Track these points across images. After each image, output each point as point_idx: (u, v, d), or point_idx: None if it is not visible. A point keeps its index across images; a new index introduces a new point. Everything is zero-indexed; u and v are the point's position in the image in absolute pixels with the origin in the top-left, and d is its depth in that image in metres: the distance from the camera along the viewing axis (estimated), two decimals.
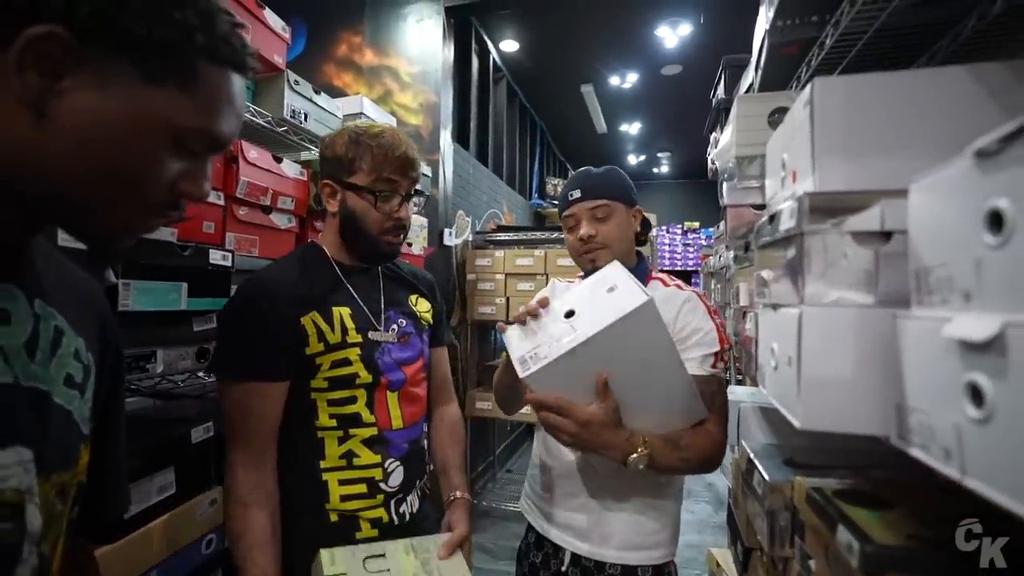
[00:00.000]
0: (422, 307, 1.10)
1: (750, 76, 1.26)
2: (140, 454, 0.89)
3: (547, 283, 3.09)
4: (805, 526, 0.75)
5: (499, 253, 3.17)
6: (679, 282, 1.09)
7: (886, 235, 0.55)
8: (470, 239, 3.44)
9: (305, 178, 1.36)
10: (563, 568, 1.04)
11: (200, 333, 1.03)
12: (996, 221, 0.36)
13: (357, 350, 0.94)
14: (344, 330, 0.93)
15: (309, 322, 0.91)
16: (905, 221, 0.50)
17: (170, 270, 0.95)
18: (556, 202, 5.74)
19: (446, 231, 3.08)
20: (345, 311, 0.95)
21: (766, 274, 0.73)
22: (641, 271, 1.05)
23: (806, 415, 0.56)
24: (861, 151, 0.60)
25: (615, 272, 0.86)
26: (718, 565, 1.59)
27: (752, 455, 0.98)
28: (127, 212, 0.44)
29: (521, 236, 3.40)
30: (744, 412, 1.16)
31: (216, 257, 1.04)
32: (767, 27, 0.95)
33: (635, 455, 0.86)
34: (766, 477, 0.87)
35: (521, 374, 0.81)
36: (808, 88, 0.62)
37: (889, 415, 0.52)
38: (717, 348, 1.00)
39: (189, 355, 1.01)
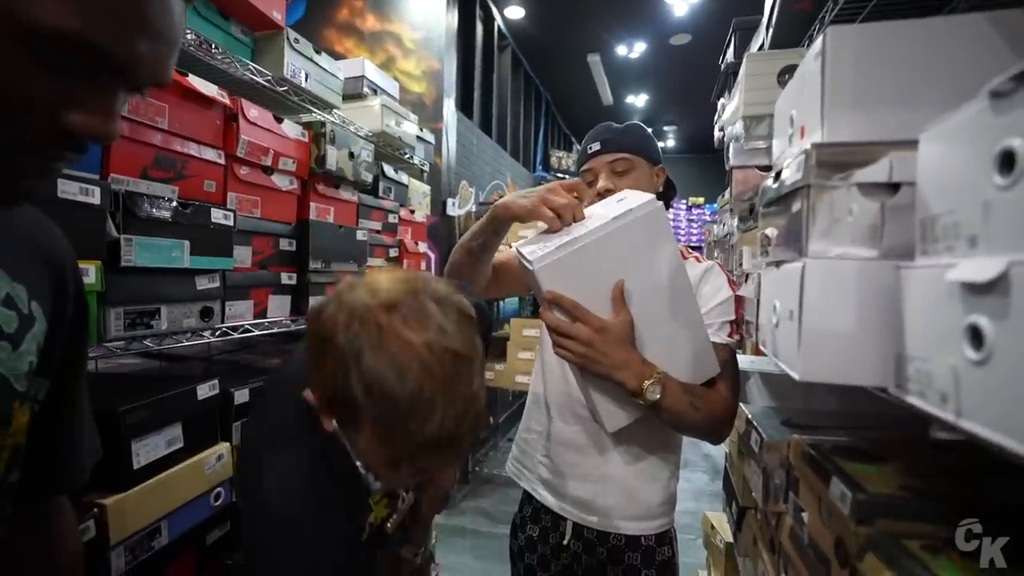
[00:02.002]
0: None
1: (760, 36, 1.23)
2: (148, 408, 0.90)
3: None
4: (800, 482, 0.76)
5: None
6: (697, 254, 1.07)
7: (893, 187, 0.54)
8: (473, 210, 3.42)
9: (306, 140, 1.34)
10: (564, 541, 1.02)
11: (203, 291, 1.03)
12: (1007, 162, 0.36)
13: None
14: None
15: None
16: (913, 172, 0.50)
17: (172, 227, 0.95)
18: (561, 174, 5.66)
19: (449, 201, 3.06)
20: None
21: (770, 232, 0.73)
22: None
23: (806, 368, 0.57)
24: (872, 102, 0.59)
25: (625, 191, 0.86)
26: (712, 527, 1.63)
27: (750, 416, 0.99)
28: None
29: None
30: (744, 378, 1.18)
31: (218, 216, 1.03)
32: None
33: (649, 381, 0.79)
34: (764, 436, 0.88)
35: (533, 262, 0.76)
36: (820, 39, 0.60)
37: (888, 366, 0.52)
38: (733, 317, 0.97)
39: (193, 312, 1.02)
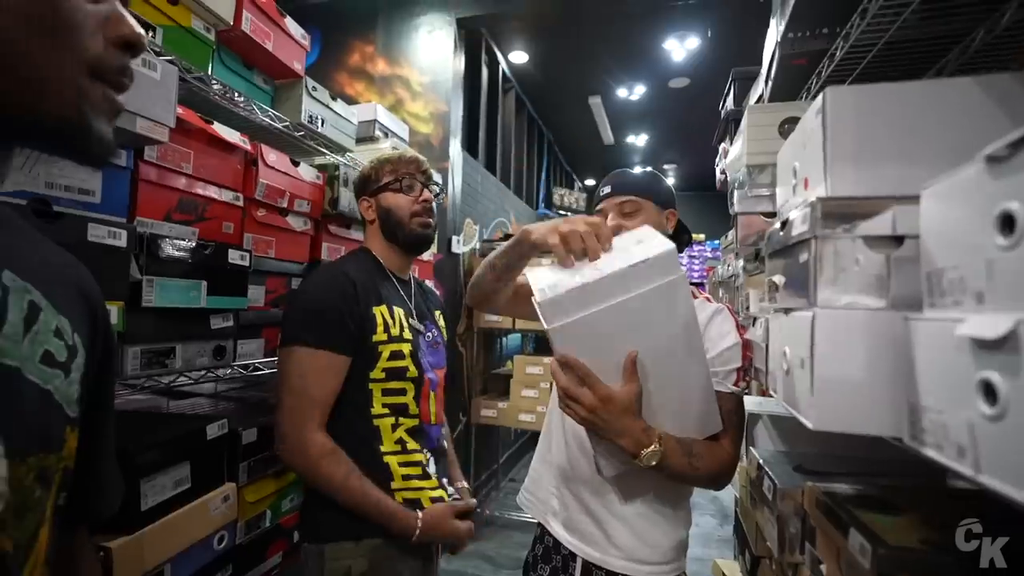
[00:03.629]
0: (442, 323, 1.28)
1: (760, 87, 1.28)
2: (157, 448, 0.90)
3: None
4: (816, 531, 0.75)
5: None
6: (706, 295, 1.09)
7: (898, 239, 0.56)
8: (477, 247, 3.46)
9: (321, 182, 1.38)
10: None
11: (217, 331, 1.05)
12: (1007, 223, 0.37)
13: (409, 346, 1.08)
14: (401, 327, 1.08)
15: (379, 313, 1.05)
16: (917, 226, 0.52)
17: (191, 268, 0.97)
18: (563, 212, 5.74)
19: (454, 238, 3.10)
20: (400, 311, 1.10)
21: (777, 279, 0.74)
22: None
23: (819, 417, 0.57)
24: (872, 159, 0.62)
25: (645, 230, 0.88)
26: (724, 575, 1.59)
27: (761, 462, 0.98)
28: (67, 69, 0.41)
29: None
30: (752, 421, 1.17)
31: (235, 257, 1.06)
32: (778, 39, 0.97)
33: (648, 449, 0.82)
34: (777, 483, 0.87)
35: (538, 298, 0.77)
36: (820, 97, 0.64)
37: (901, 416, 0.52)
38: (740, 364, 0.98)
39: (206, 352, 1.03)
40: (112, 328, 0.57)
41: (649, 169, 1.10)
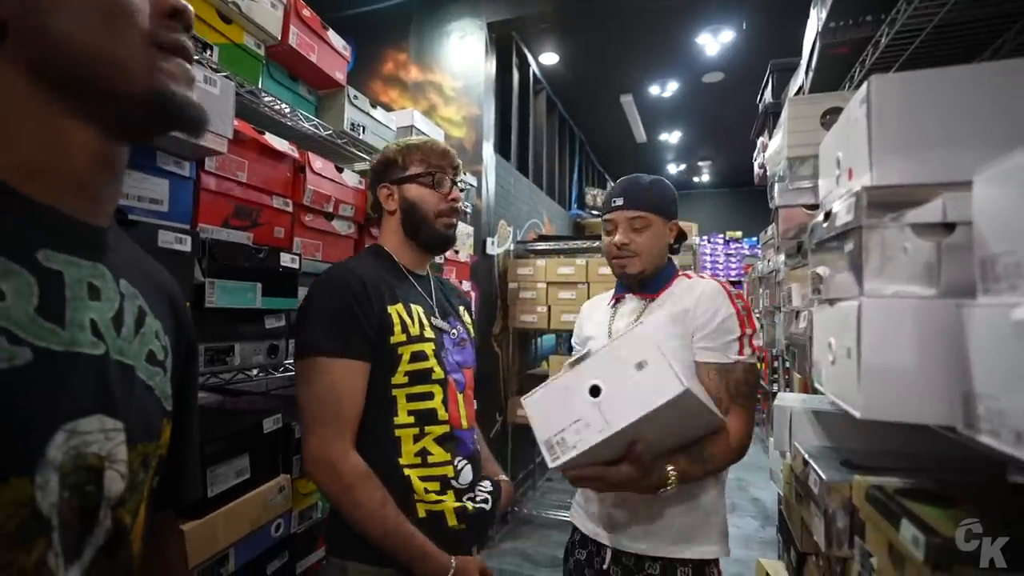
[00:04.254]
0: (467, 319, 1.18)
1: (800, 79, 1.26)
2: (221, 440, 0.96)
3: (588, 293, 3.07)
4: (865, 525, 0.74)
5: (540, 262, 3.20)
6: (704, 275, 1.14)
7: (949, 226, 0.55)
8: (511, 248, 3.49)
9: (363, 187, 1.44)
10: (604, 566, 1.07)
11: (271, 330, 1.10)
12: None
13: (432, 345, 0.99)
14: (421, 324, 1.00)
15: (394, 312, 0.96)
16: (968, 212, 0.51)
17: (247, 271, 1.02)
18: (596, 212, 5.73)
19: (488, 240, 3.14)
20: (419, 308, 1.01)
21: (822, 270, 0.74)
22: (668, 273, 1.13)
23: (867, 405, 0.57)
24: (919, 146, 0.61)
25: (644, 343, 0.80)
26: (768, 575, 1.56)
27: (807, 457, 0.97)
28: (135, 47, 0.45)
29: (562, 245, 3.42)
30: (796, 416, 1.15)
31: (286, 260, 1.11)
32: (819, 29, 0.95)
33: (666, 488, 0.91)
34: (823, 477, 0.86)
35: (550, 463, 0.82)
36: (865, 86, 0.63)
37: (954, 404, 0.52)
38: (738, 332, 1.02)
39: (261, 350, 1.09)
40: (194, 330, 0.63)
41: (658, 179, 1.14)
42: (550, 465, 0.83)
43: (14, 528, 0.37)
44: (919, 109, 0.61)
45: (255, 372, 1.11)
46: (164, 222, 0.88)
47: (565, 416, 0.81)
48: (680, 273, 1.15)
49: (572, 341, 1.31)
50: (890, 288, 0.59)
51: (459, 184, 1.12)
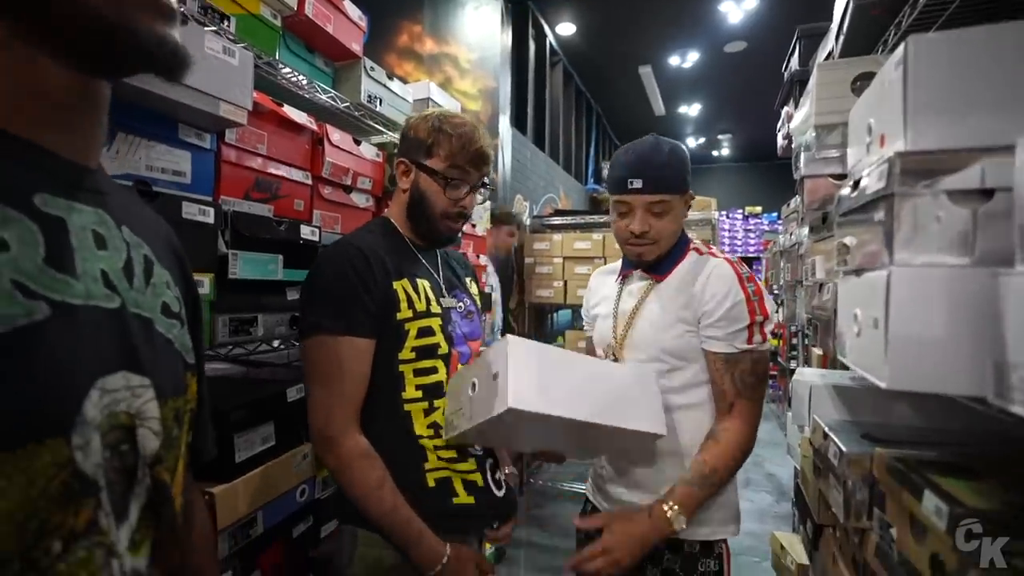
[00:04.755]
0: (474, 289, 1.15)
1: (829, 44, 1.21)
2: (247, 407, 0.99)
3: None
4: (886, 496, 0.74)
5: (557, 237, 3.18)
6: (715, 250, 1.07)
7: (987, 193, 0.53)
8: (528, 223, 3.47)
9: (381, 160, 1.43)
10: None
11: (292, 302, 1.12)
12: None
13: (439, 320, 0.97)
14: (427, 300, 0.97)
15: (400, 288, 0.94)
16: (1009, 178, 0.49)
17: (269, 243, 1.04)
18: None
19: None
20: (425, 283, 0.99)
21: (849, 241, 0.72)
22: (678, 250, 1.06)
23: (893, 376, 0.56)
24: (957, 110, 0.58)
25: (500, 357, 0.82)
26: (782, 547, 1.57)
27: (827, 430, 0.96)
28: None
29: (578, 220, 3.40)
30: (816, 391, 1.14)
31: (306, 232, 1.12)
32: None
33: (672, 527, 0.91)
34: (844, 449, 0.86)
35: (444, 435, 0.91)
36: (901, 48, 0.60)
37: (985, 375, 0.51)
38: (747, 320, 0.96)
39: (284, 322, 1.11)
40: (195, 284, 0.60)
41: (674, 148, 1.01)
42: (443, 436, 0.91)
43: (57, 490, 0.36)
44: (959, 70, 0.58)
45: (277, 343, 1.13)
46: (187, 194, 0.89)
47: (457, 400, 0.89)
48: (691, 247, 1.07)
49: (582, 312, 1.26)
50: (921, 258, 0.57)
51: (479, 194, 1.04)
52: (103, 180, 0.48)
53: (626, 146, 1.06)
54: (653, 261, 1.04)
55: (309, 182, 1.20)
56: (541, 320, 3.64)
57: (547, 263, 3.19)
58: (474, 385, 0.85)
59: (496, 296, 2.61)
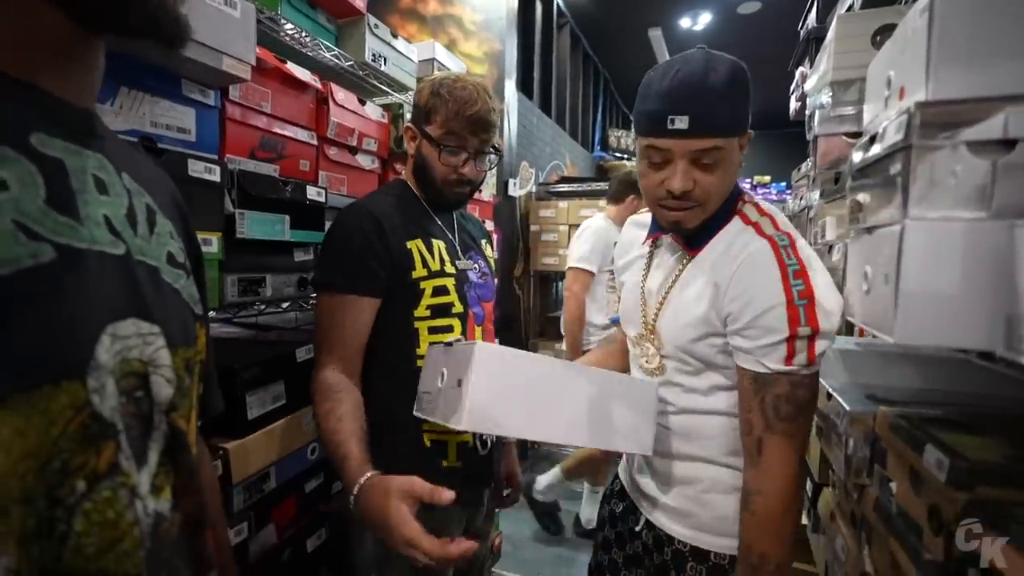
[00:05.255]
0: (488, 251, 1.17)
1: (848, 0, 1.17)
2: (257, 366, 1.00)
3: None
4: (887, 452, 0.75)
5: (563, 204, 3.16)
6: (763, 221, 0.79)
7: (1008, 144, 0.52)
8: (533, 190, 3.44)
9: (386, 120, 1.41)
10: (637, 528, 0.95)
11: (300, 263, 1.12)
12: None
13: (453, 280, 1.00)
14: (442, 260, 1.00)
15: (415, 248, 0.97)
16: None
17: (275, 203, 1.03)
18: (619, 154, 5.53)
19: (510, 181, 3.10)
20: (440, 243, 1.01)
21: (862, 198, 0.71)
22: (724, 213, 0.81)
23: (902, 329, 0.56)
24: (983, 57, 0.56)
25: (464, 365, 0.73)
26: None
27: (831, 391, 0.97)
28: None
29: (584, 187, 3.36)
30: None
31: (312, 193, 1.12)
32: None
33: None
34: (847, 408, 0.87)
35: (414, 411, 0.85)
36: None
37: (995, 329, 0.51)
38: (785, 333, 0.70)
39: (291, 283, 1.11)
40: (208, 257, 0.61)
41: (732, 66, 0.75)
42: (414, 411, 0.86)
43: (77, 432, 0.36)
44: (986, 15, 0.56)
45: (286, 305, 1.14)
46: (193, 152, 0.88)
47: (430, 381, 0.84)
48: (738, 210, 0.82)
49: (614, 269, 1.08)
50: (936, 212, 0.57)
51: (481, 160, 1.01)
52: (101, 125, 0.47)
53: (664, 65, 0.76)
54: (695, 230, 0.80)
55: (314, 142, 1.19)
56: (546, 288, 3.65)
57: (552, 231, 3.17)
58: (443, 376, 0.80)
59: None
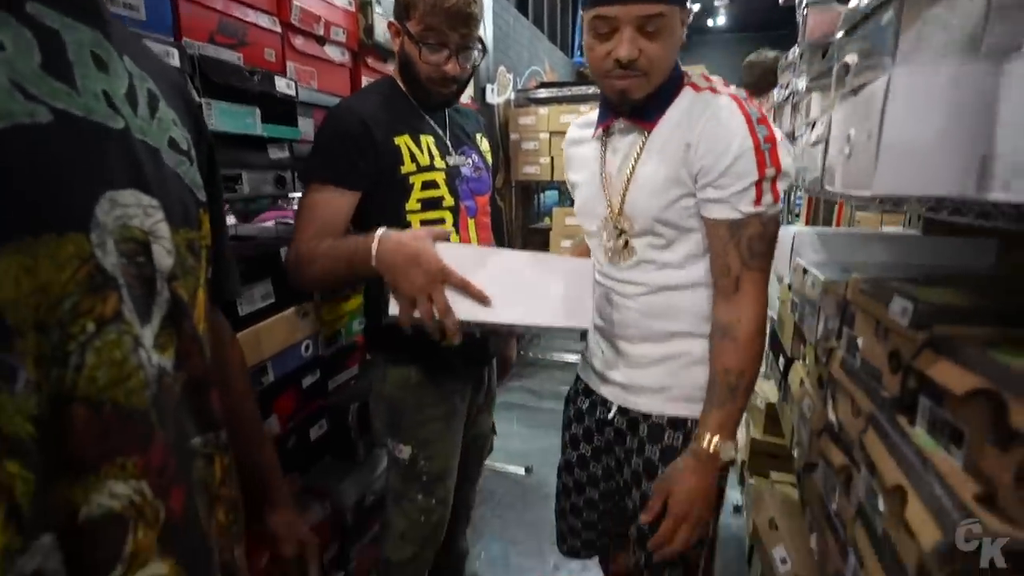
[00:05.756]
0: (484, 146, 1.17)
1: None
2: (243, 261, 1.00)
3: None
4: (856, 315, 0.80)
5: (543, 111, 3.05)
6: (717, 83, 0.85)
7: None
8: (512, 98, 3.30)
9: (353, 9, 1.31)
10: (609, 416, 0.96)
11: (276, 161, 1.09)
12: None
13: (443, 174, 1.03)
14: (431, 155, 1.02)
15: (403, 143, 0.99)
16: None
17: (243, 94, 0.98)
18: None
19: (488, 87, 2.96)
20: (429, 139, 1.03)
21: (850, 59, 0.70)
22: (672, 84, 0.85)
23: (881, 181, 0.57)
24: None
25: (583, 279, 0.86)
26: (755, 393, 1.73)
27: (807, 266, 1.01)
28: None
29: (565, 92, 3.23)
30: (799, 237, 1.18)
31: (282, 85, 1.06)
32: None
33: (723, 459, 0.82)
34: (821, 277, 0.91)
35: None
36: None
37: (968, 176, 0.52)
38: (754, 176, 0.77)
39: (268, 180, 1.08)
40: (208, 130, 0.59)
41: None
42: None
43: (84, 279, 0.38)
44: None
45: (267, 200, 1.12)
46: (146, 32, 0.81)
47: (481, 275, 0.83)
48: (687, 82, 0.86)
49: (568, 188, 1.11)
50: (924, 61, 0.56)
51: (464, 57, 0.99)
52: (105, 10, 0.46)
53: None
54: (641, 101, 0.83)
55: (278, 29, 1.10)
56: (528, 199, 3.61)
57: (533, 139, 3.08)
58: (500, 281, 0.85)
59: None
